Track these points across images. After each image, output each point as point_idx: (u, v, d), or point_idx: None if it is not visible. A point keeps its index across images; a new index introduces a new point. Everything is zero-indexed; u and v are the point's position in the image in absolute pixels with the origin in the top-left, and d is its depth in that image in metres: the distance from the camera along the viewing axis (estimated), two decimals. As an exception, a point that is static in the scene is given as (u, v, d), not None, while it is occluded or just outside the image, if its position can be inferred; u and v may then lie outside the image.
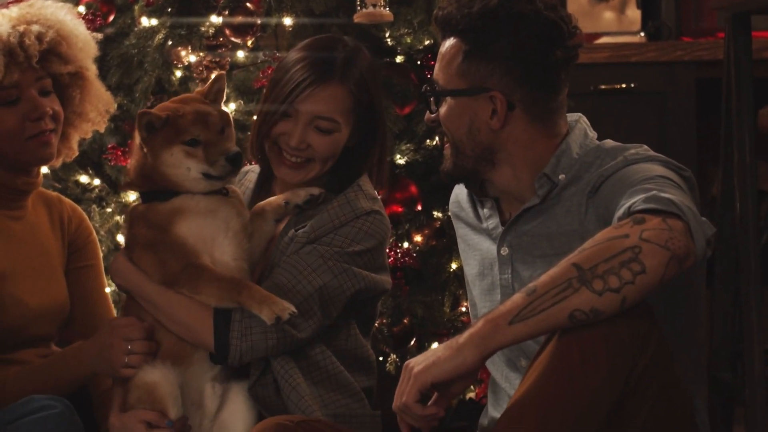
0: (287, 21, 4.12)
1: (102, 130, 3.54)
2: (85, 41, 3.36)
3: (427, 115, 2.92)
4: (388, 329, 3.93)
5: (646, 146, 2.81)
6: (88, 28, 3.78)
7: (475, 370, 2.43)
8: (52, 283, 3.35)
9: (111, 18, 4.28)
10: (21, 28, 3.17)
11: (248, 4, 4.05)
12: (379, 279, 3.11)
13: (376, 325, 3.63)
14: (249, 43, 4.17)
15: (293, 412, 2.99)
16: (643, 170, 2.63)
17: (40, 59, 3.21)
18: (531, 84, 2.76)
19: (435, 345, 4.06)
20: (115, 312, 3.51)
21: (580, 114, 2.91)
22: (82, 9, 4.21)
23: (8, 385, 3.11)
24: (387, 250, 3.30)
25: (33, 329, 3.31)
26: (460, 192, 3.08)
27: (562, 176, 2.77)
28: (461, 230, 3.07)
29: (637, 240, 2.34)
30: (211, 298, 2.93)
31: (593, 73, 5.46)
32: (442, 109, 2.85)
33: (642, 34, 5.73)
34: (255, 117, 3.28)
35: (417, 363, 2.46)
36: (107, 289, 3.54)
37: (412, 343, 4.03)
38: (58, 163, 3.48)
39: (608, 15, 5.76)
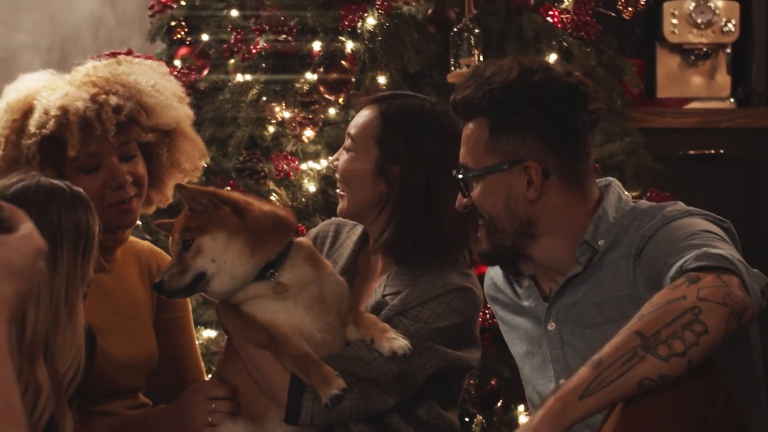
0: (381, 79, 4.13)
1: (195, 180, 3.51)
2: (168, 106, 3.28)
3: (459, 201, 2.86)
4: (475, 390, 3.89)
5: (681, 203, 2.77)
6: (183, 82, 3.82)
7: None
8: (141, 335, 3.34)
9: (205, 72, 4.32)
10: (101, 99, 3.13)
11: (343, 62, 4.08)
12: (462, 357, 3.06)
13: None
14: (341, 100, 4.19)
15: None
16: (685, 226, 2.60)
17: (120, 126, 3.16)
18: (562, 149, 2.73)
19: (521, 407, 4.02)
20: (202, 363, 3.50)
21: (611, 178, 2.88)
22: (177, 63, 4.26)
23: None
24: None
25: (121, 381, 3.31)
26: (494, 274, 3.04)
27: (601, 242, 2.73)
28: (500, 313, 3.02)
29: (695, 300, 2.32)
30: (293, 371, 2.91)
31: (682, 138, 5.42)
32: (475, 191, 2.80)
33: (732, 99, 5.69)
34: None
35: None
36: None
37: (499, 404, 3.99)
38: (151, 210, 3.46)
39: (698, 80, 5.73)
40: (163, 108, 3.24)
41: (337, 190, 3.17)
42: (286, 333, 2.90)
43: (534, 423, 2.36)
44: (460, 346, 3.03)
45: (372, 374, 2.91)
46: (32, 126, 3.09)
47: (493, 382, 3.90)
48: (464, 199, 2.83)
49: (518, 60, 2.79)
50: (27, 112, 3.15)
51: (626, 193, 2.85)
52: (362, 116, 3.13)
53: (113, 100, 3.13)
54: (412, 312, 3.00)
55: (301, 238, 3.10)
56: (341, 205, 3.15)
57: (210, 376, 3.33)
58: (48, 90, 3.17)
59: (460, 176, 2.82)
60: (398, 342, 2.87)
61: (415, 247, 3.06)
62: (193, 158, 3.43)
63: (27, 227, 1.65)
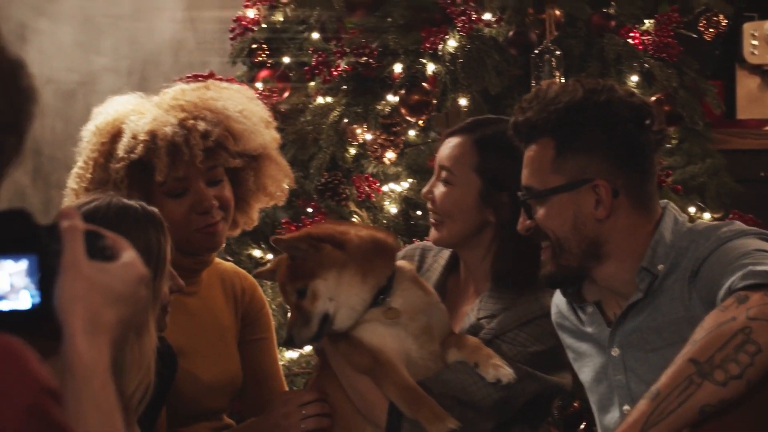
0: (462, 101, 4.14)
1: (281, 204, 3.54)
2: (255, 132, 3.28)
3: (521, 223, 2.82)
4: (558, 412, 3.87)
5: (739, 222, 2.74)
6: (264, 105, 3.83)
7: None
8: (225, 357, 3.35)
9: (286, 94, 4.35)
10: (189, 124, 3.13)
11: (424, 84, 4.10)
12: (557, 381, 3.05)
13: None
14: (420, 122, 4.20)
15: None
16: (738, 247, 2.57)
17: (207, 152, 3.17)
18: (630, 168, 2.71)
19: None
20: (286, 385, 3.51)
21: (666, 201, 2.85)
22: (258, 85, 4.29)
23: None
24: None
25: (206, 403, 3.33)
26: (559, 301, 2.99)
27: (660, 266, 2.70)
28: (567, 340, 2.98)
29: (745, 320, 2.31)
30: (394, 401, 2.91)
31: (763, 160, 5.37)
32: (540, 212, 2.76)
33: (812, 120, 5.62)
34: None
35: None
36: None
37: (582, 426, 3.96)
38: (236, 232, 3.47)
39: (777, 101, 5.68)
40: (250, 134, 3.25)
41: (431, 220, 3.17)
42: (393, 360, 2.90)
43: None
44: (555, 369, 3.02)
45: (472, 398, 2.90)
46: (121, 150, 3.11)
47: (576, 404, 3.87)
48: (527, 222, 2.81)
49: (581, 81, 2.79)
50: (115, 135, 3.16)
51: (682, 215, 2.82)
52: (453, 147, 3.13)
53: (201, 125, 3.14)
54: (509, 335, 2.99)
55: (401, 262, 3.10)
56: (438, 235, 3.15)
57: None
58: (136, 114, 3.19)
59: (524, 198, 2.80)
60: (504, 370, 2.86)
61: (517, 269, 3.07)
62: (279, 182, 3.43)
63: (130, 255, 1.67)
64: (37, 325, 1.61)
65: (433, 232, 3.17)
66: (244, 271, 3.56)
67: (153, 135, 3.10)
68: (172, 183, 3.15)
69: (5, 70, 1.46)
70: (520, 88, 4.11)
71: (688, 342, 2.36)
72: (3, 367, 1.34)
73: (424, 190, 3.17)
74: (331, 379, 3.05)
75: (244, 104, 3.31)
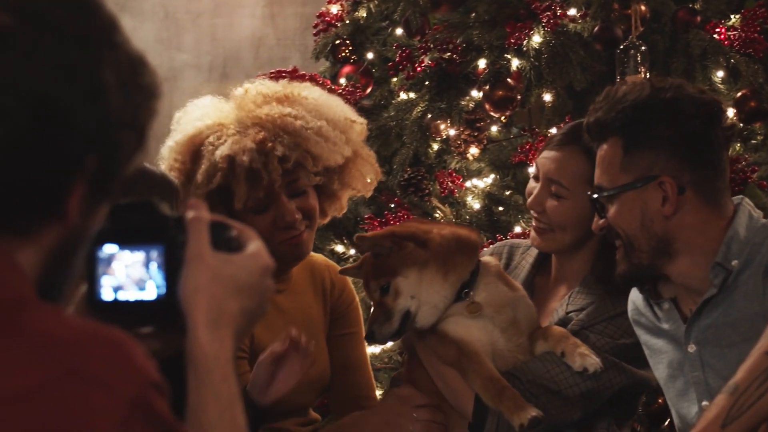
0: (547, 97, 4.13)
1: (368, 195, 3.52)
2: (335, 150, 3.22)
3: (595, 222, 2.85)
4: (643, 408, 3.84)
5: None
6: (347, 100, 3.83)
7: None
8: (315, 353, 3.28)
9: (369, 90, 4.36)
10: (267, 147, 3.09)
11: (508, 79, 4.09)
12: (645, 376, 3.04)
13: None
14: (503, 118, 4.20)
15: None
16: None
17: (286, 173, 3.14)
18: (696, 164, 2.71)
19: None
20: (374, 381, 3.51)
21: (741, 196, 2.85)
22: (342, 81, 4.31)
23: None
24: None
25: (294, 400, 3.33)
26: (636, 298, 2.99)
27: (735, 262, 2.69)
28: (643, 337, 2.98)
29: None
30: (478, 392, 2.92)
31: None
32: (611, 211, 2.78)
33: None
34: None
35: None
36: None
37: (666, 423, 3.93)
38: (326, 220, 3.45)
39: None
40: (329, 153, 3.20)
41: (537, 225, 3.17)
42: (478, 352, 2.92)
43: None
44: (642, 364, 3.02)
45: (559, 386, 2.91)
46: (200, 176, 3.11)
47: (660, 401, 3.85)
48: (601, 221, 2.83)
49: (650, 79, 2.82)
50: (195, 156, 3.16)
51: (757, 211, 2.81)
52: (562, 160, 3.12)
53: (279, 150, 3.10)
54: (597, 327, 3.00)
55: (486, 257, 3.11)
56: (545, 243, 3.17)
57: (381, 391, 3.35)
58: (215, 131, 3.16)
59: (595, 197, 2.82)
60: (590, 359, 2.87)
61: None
62: (366, 176, 3.40)
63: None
64: (164, 316, 1.63)
65: (538, 239, 3.18)
66: (334, 264, 3.56)
67: (231, 162, 3.08)
68: (253, 202, 3.14)
69: (125, 67, 1.48)
70: (605, 83, 4.07)
71: (763, 336, 2.35)
72: (109, 359, 1.35)
73: (531, 201, 3.15)
74: (420, 370, 3.07)
75: (324, 115, 3.25)
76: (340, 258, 4.16)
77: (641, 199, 2.74)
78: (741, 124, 4.13)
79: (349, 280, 3.54)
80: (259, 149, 3.09)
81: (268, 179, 3.09)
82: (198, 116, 3.23)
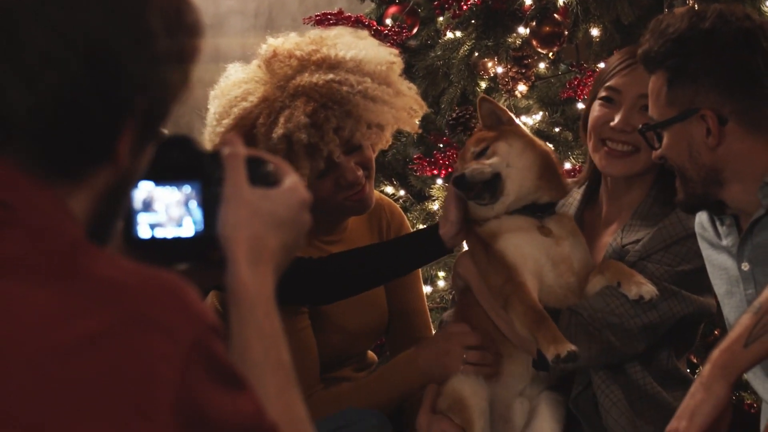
0: (594, 32, 4.10)
1: (414, 130, 3.46)
2: (383, 108, 3.20)
3: (654, 153, 2.87)
4: (700, 339, 3.84)
5: None
6: (393, 41, 3.81)
7: (729, 401, 2.37)
8: (372, 302, 3.37)
9: (415, 30, 4.34)
10: (320, 118, 3.07)
11: (555, 15, 4.05)
12: (705, 302, 3.05)
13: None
14: (550, 54, 4.17)
15: (612, 427, 2.97)
16: None
17: (342, 141, 3.14)
18: (738, 94, 2.69)
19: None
20: (431, 323, 3.53)
21: None
22: (388, 22, 4.29)
23: (344, 399, 3.15)
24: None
25: (353, 349, 3.37)
26: (702, 213, 3.01)
27: None
28: (706, 251, 2.99)
29: None
30: (516, 320, 2.92)
31: None
32: (664, 143, 2.80)
33: None
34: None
35: (679, 422, 2.39)
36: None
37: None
38: (373, 163, 3.39)
39: None
40: (381, 113, 3.19)
41: (620, 149, 3.14)
42: (525, 282, 2.93)
43: (704, 381, 2.36)
44: (702, 291, 3.02)
45: (621, 319, 2.92)
46: None
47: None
48: (657, 152, 2.85)
49: (691, 10, 2.78)
50: (248, 140, 3.08)
51: None
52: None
53: (333, 122, 3.09)
54: (655, 256, 3.01)
55: None
56: (627, 167, 3.15)
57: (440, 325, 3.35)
58: (262, 109, 3.12)
59: (646, 128, 2.84)
60: (646, 287, 2.89)
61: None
62: (411, 115, 3.34)
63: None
64: (201, 253, 1.64)
65: (618, 164, 3.15)
66: (390, 203, 3.57)
67: (289, 141, 3.07)
68: (315, 172, 3.13)
69: (169, 7, 1.48)
70: (653, 16, 4.02)
71: None
72: (168, 304, 1.35)
73: (619, 122, 3.11)
74: (473, 310, 3.09)
75: (364, 70, 3.21)
76: (390, 199, 4.17)
77: (686, 132, 2.75)
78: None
79: (406, 219, 3.55)
80: (313, 123, 3.07)
81: (326, 150, 3.09)
82: (240, 95, 3.18)
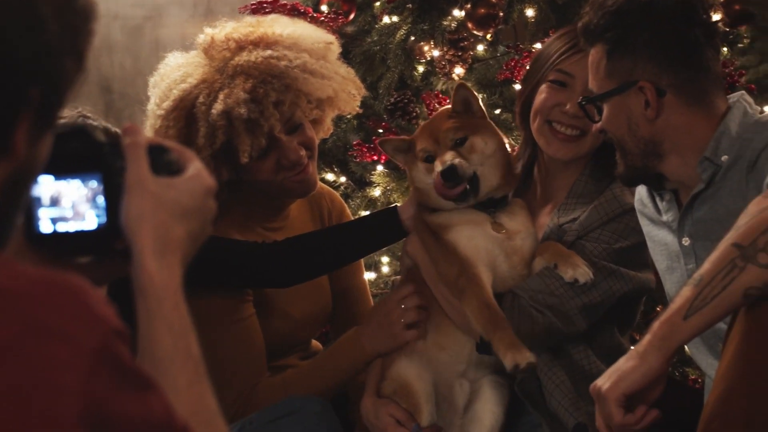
0: (529, 12, 4.09)
1: (354, 112, 3.48)
2: (324, 83, 3.22)
3: (594, 126, 2.89)
4: (641, 317, 3.85)
5: None
6: (330, 27, 3.80)
7: (663, 373, 2.37)
8: (316, 289, 3.37)
9: (352, 16, 4.32)
10: (259, 94, 3.08)
11: (490, -4, 4.05)
12: (644, 278, 3.06)
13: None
14: (488, 36, 4.17)
15: (556, 409, 2.97)
16: None
17: (283, 116, 3.15)
18: (676, 66, 2.72)
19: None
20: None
21: (741, 92, 2.84)
22: (324, 8, 4.27)
23: (291, 385, 3.15)
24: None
25: (298, 336, 3.36)
26: (641, 188, 3.02)
27: (724, 157, 2.70)
28: (646, 227, 3.01)
29: None
30: (471, 316, 2.92)
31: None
32: (603, 116, 2.82)
33: None
34: (518, 101, 3.29)
35: (604, 382, 2.41)
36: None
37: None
38: (316, 143, 3.38)
39: None
40: (320, 86, 3.20)
41: (568, 133, 3.16)
42: (480, 275, 2.92)
43: (641, 349, 2.37)
44: (640, 267, 3.03)
45: (560, 299, 2.94)
46: (202, 139, 3.09)
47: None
48: (597, 124, 2.87)
49: None
50: (189, 119, 3.13)
51: (754, 106, 2.81)
52: None
53: (272, 95, 3.10)
54: (593, 234, 3.02)
55: None
56: (574, 151, 3.17)
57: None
58: (201, 89, 3.13)
59: (585, 100, 2.86)
60: (581, 269, 2.90)
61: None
62: (351, 97, 3.38)
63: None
64: (105, 246, 1.61)
65: (565, 147, 3.16)
66: (331, 191, 3.57)
67: (228, 117, 3.07)
68: (257, 150, 3.13)
69: None
70: (588, -4, 4.05)
71: (733, 228, 2.33)
72: (67, 312, 1.30)
73: (574, 108, 3.11)
74: (421, 287, 3.09)
75: (302, 47, 3.23)
76: (331, 186, 4.15)
77: (625, 105, 2.77)
78: (727, 28, 4.10)
79: (346, 206, 3.55)
80: (252, 98, 3.08)
81: (267, 126, 3.09)
82: (179, 78, 3.18)
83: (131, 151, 1.59)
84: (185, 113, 3.13)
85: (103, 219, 1.59)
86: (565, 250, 2.97)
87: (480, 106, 3.07)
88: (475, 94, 3.09)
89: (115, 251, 1.59)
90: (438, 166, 2.96)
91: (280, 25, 3.28)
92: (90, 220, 1.59)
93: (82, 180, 1.59)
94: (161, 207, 1.58)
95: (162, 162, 1.63)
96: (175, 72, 3.21)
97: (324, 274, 3.32)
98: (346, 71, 3.36)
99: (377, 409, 3.04)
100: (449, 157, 2.96)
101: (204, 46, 3.25)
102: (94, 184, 1.59)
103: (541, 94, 3.16)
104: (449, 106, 3.14)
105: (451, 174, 2.93)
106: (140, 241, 1.55)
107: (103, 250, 1.62)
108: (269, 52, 3.17)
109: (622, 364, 2.40)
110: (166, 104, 3.14)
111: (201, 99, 3.11)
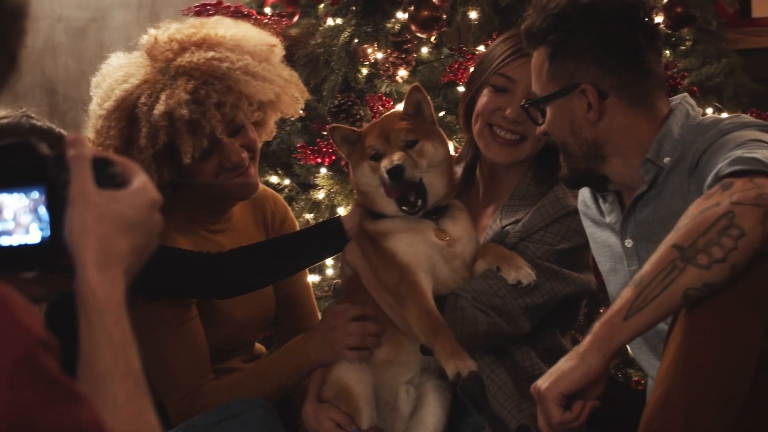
0: (473, 14, 4.10)
1: (297, 115, 3.50)
2: (265, 85, 3.22)
3: (537, 129, 2.90)
4: (584, 319, 3.86)
5: (744, 115, 2.75)
6: (274, 30, 3.78)
7: (602, 373, 2.38)
8: (259, 292, 3.35)
9: (296, 18, 4.31)
10: (201, 95, 3.08)
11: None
12: (586, 280, 3.08)
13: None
14: (432, 39, 4.17)
15: (499, 411, 2.98)
16: (736, 138, 2.57)
17: (225, 118, 3.15)
18: (618, 68, 2.74)
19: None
20: (318, 311, 3.52)
21: (684, 94, 2.87)
22: (267, 10, 4.26)
23: (235, 389, 3.15)
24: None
25: (241, 338, 3.35)
26: (584, 189, 3.04)
27: (667, 159, 2.72)
28: (589, 229, 3.03)
29: (729, 205, 2.29)
30: (413, 324, 2.92)
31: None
32: (547, 118, 2.83)
33: (829, 14, 5.56)
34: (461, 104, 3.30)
35: (543, 381, 2.42)
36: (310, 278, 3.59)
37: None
38: (258, 145, 3.38)
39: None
40: (262, 89, 3.20)
41: (508, 137, 3.19)
42: (419, 282, 2.92)
43: (581, 349, 2.38)
44: (582, 268, 3.05)
45: (504, 300, 2.95)
46: (143, 140, 3.08)
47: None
48: (541, 127, 2.87)
49: None
50: (131, 120, 3.12)
51: (697, 109, 2.83)
52: None
53: (214, 97, 3.10)
54: (535, 236, 3.03)
55: None
56: (513, 155, 3.19)
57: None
58: (143, 90, 3.13)
59: (528, 103, 2.87)
60: (524, 271, 2.91)
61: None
62: (294, 100, 3.38)
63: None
64: (49, 260, 1.58)
65: (505, 151, 3.18)
66: (274, 194, 3.56)
67: (170, 118, 3.06)
68: (199, 152, 3.13)
69: None
70: (531, -2, 4.07)
71: (674, 229, 2.35)
72: None
73: (513, 112, 3.13)
74: (363, 295, 3.09)
75: (245, 49, 3.24)
76: (275, 189, 4.14)
77: (568, 107, 2.78)
78: (669, 31, 4.12)
79: (290, 209, 3.54)
80: (194, 99, 3.08)
81: (209, 127, 3.09)
82: (121, 78, 3.18)
83: (75, 164, 1.57)
84: (127, 113, 3.12)
85: (47, 233, 1.57)
86: (508, 252, 2.98)
87: (432, 112, 3.08)
88: (429, 99, 3.09)
89: (62, 267, 1.56)
90: (387, 164, 2.95)
91: (223, 27, 3.28)
92: (34, 234, 1.57)
93: (25, 193, 1.56)
94: (104, 220, 1.56)
95: (106, 174, 1.61)
96: (118, 72, 3.20)
97: (267, 286, 3.32)
98: (289, 74, 3.36)
99: (318, 414, 3.04)
100: (398, 156, 2.95)
101: (147, 47, 3.25)
102: (38, 197, 1.56)
103: (483, 98, 3.17)
104: (400, 108, 3.14)
105: (397, 173, 2.93)
106: (83, 254, 1.53)
107: (49, 264, 1.60)
108: (212, 53, 3.17)
109: (563, 364, 2.41)
110: (108, 104, 3.13)
111: (143, 99, 3.10)
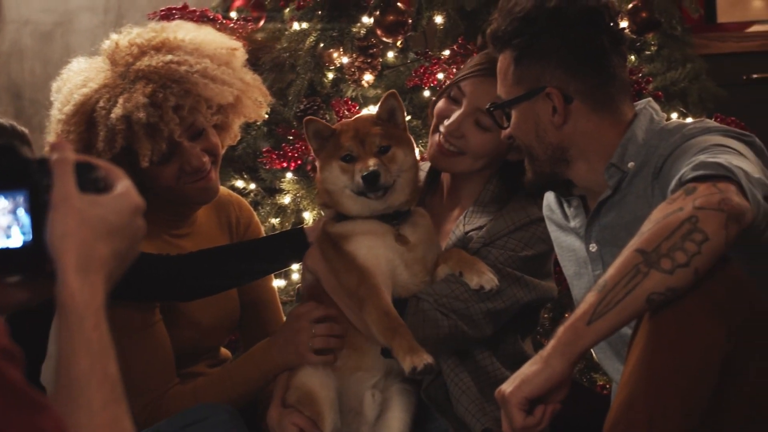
0: (438, 19, 4.10)
1: (261, 119, 3.49)
2: (224, 89, 3.21)
3: (503, 132, 2.90)
4: (549, 324, 3.88)
5: (708, 120, 2.78)
6: (239, 34, 3.78)
7: (566, 377, 2.38)
8: (223, 296, 3.34)
9: (261, 22, 4.30)
10: (159, 98, 3.08)
11: (399, 4, 4.05)
12: (547, 287, 3.09)
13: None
14: (398, 43, 4.17)
15: (463, 415, 2.98)
16: (699, 142, 2.58)
17: (183, 121, 3.15)
18: (583, 73, 2.74)
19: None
20: (283, 315, 3.51)
21: (648, 99, 2.88)
22: (233, 14, 4.25)
23: (201, 393, 3.14)
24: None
25: (206, 343, 3.34)
26: (549, 195, 3.05)
27: (631, 164, 2.73)
28: (554, 233, 3.04)
29: (692, 210, 2.30)
30: (371, 325, 2.92)
31: (744, 63, 5.36)
32: (512, 122, 2.84)
33: (793, 21, 5.60)
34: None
35: (507, 386, 2.42)
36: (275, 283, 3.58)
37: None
38: (222, 150, 3.40)
39: (758, 4, 5.64)
40: (221, 92, 3.20)
41: (446, 147, 3.19)
42: (378, 285, 2.92)
43: (545, 354, 2.38)
44: (544, 276, 3.06)
45: (465, 304, 2.95)
46: (101, 143, 3.07)
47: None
48: (506, 131, 2.87)
49: None
50: (89, 124, 3.12)
51: (660, 114, 2.84)
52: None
53: (172, 100, 3.10)
54: (499, 242, 3.03)
55: None
56: (450, 165, 3.21)
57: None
58: (102, 94, 3.12)
59: (494, 108, 2.87)
60: (487, 276, 2.91)
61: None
62: (257, 104, 3.39)
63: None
64: (31, 264, 1.57)
65: (444, 160, 3.19)
66: (239, 198, 3.56)
67: (128, 121, 3.05)
68: (157, 155, 3.11)
69: None
70: (497, 3, 4.06)
71: (637, 234, 2.35)
72: None
73: (451, 126, 3.15)
74: (324, 301, 3.08)
75: (204, 53, 3.23)
76: (241, 193, 4.13)
77: (533, 111, 2.78)
78: (634, 36, 4.14)
79: (254, 214, 3.53)
80: (152, 102, 3.07)
81: (167, 131, 3.08)
82: (80, 83, 3.17)
83: (58, 168, 1.56)
84: (86, 117, 3.11)
85: (29, 237, 1.55)
86: (470, 257, 2.98)
87: (404, 120, 3.09)
88: (403, 106, 3.09)
89: (44, 271, 1.55)
90: (362, 170, 2.96)
91: (183, 31, 3.28)
92: (16, 238, 1.55)
93: (8, 197, 1.55)
94: (86, 224, 1.55)
95: (89, 179, 1.60)
96: (77, 77, 3.20)
97: (230, 289, 3.31)
98: (251, 78, 3.35)
99: (281, 419, 3.03)
100: (373, 162, 2.96)
101: (108, 51, 3.24)
102: (21, 200, 1.55)
103: (440, 103, 3.19)
104: (373, 112, 3.14)
105: (373, 179, 2.94)
106: (64, 259, 1.52)
107: (32, 269, 1.58)
108: (170, 56, 3.16)
109: (527, 368, 2.41)
110: (67, 108, 3.13)
111: (101, 103, 3.09)
